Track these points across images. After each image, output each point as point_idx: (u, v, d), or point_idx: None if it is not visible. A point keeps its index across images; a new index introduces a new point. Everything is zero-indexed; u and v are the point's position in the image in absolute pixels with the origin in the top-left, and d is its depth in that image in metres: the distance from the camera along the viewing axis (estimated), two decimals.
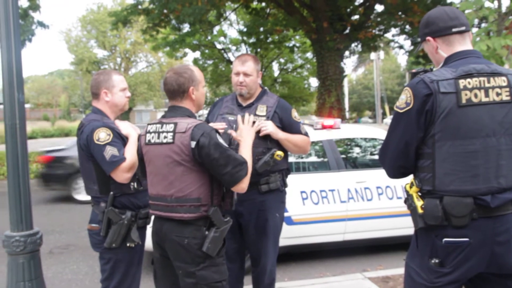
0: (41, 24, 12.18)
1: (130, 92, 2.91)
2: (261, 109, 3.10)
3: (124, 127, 2.71)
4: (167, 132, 2.31)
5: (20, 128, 2.93)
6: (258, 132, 2.99)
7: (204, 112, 16.81)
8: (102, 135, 2.54)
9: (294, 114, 3.17)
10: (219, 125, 2.97)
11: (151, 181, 2.44)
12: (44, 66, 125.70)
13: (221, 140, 2.28)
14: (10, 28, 2.87)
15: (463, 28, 1.96)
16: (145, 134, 2.43)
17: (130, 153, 2.58)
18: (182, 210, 2.29)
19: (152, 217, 2.79)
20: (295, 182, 4.23)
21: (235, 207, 2.54)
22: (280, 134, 3.04)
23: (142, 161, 2.49)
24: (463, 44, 1.98)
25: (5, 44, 2.87)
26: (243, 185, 2.32)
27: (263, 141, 3.02)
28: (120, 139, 2.62)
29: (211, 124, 2.90)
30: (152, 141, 2.36)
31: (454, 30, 1.96)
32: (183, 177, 2.30)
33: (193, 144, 2.24)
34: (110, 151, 2.51)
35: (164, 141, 2.31)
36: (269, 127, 3.00)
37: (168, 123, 2.34)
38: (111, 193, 2.60)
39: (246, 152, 2.45)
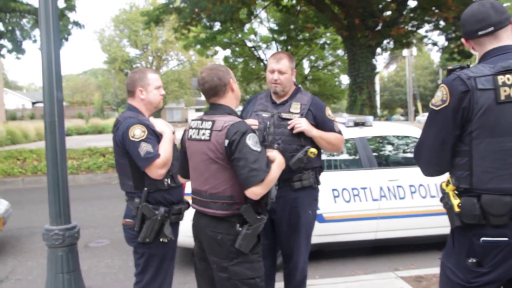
0: (76, 24, 12.50)
1: (164, 90, 2.95)
2: (295, 107, 3.10)
3: (159, 124, 2.76)
4: (205, 129, 2.35)
5: (59, 125, 3.03)
6: (292, 129, 3.01)
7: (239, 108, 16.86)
8: (137, 132, 2.59)
9: (328, 112, 3.17)
10: (253, 122, 3.00)
11: (192, 176, 2.51)
12: (78, 65, 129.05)
13: (250, 141, 2.25)
14: (50, 29, 2.97)
15: (490, 29, 1.92)
16: (188, 129, 2.49)
17: (164, 149, 2.63)
18: (215, 207, 2.33)
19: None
20: (326, 180, 4.21)
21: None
22: (314, 132, 3.04)
23: (185, 154, 2.54)
24: (496, 43, 1.93)
25: (45, 44, 2.97)
26: (256, 191, 2.23)
27: (297, 138, 3.03)
28: (155, 136, 2.66)
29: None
30: (193, 137, 2.43)
31: (480, 33, 1.94)
32: (217, 174, 2.33)
33: (226, 142, 2.26)
34: (144, 148, 2.55)
35: (202, 138, 2.35)
36: (303, 125, 3.00)
37: (207, 120, 2.38)
38: (145, 189, 2.65)
39: (275, 167, 2.35)
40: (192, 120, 2.52)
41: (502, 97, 1.80)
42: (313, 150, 3.02)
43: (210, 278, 2.49)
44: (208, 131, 2.33)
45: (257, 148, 2.26)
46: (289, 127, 3.03)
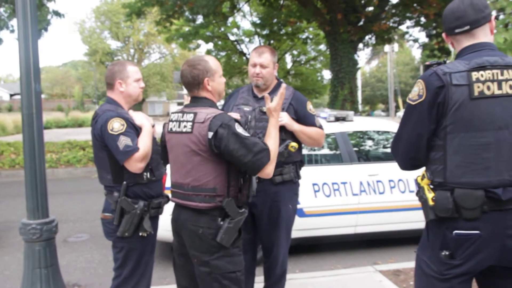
0: (56, 13, 12.25)
1: (143, 83, 2.93)
2: None
3: (138, 117, 2.74)
4: (187, 121, 2.35)
5: (37, 117, 2.98)
6: None
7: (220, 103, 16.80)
8: (116, 125, 2.57)
9: (309, 106, 3.18)
10: (234, 115, 3.00)
11: (171, 169, 2.49)
12: (58, 57, 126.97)
13: (239, 130, 2.28)
14: (27, 19, 2.91)
15: (466, 28, 1.96)
16: (169, 122, 2.48)
17: (144, 143, 2.61)
18: (198, 199, 2.33)
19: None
20: (307, 175, 4.24)
21: None
22: (295, 126, 3.06)
23: (165, 148, 2.54)
24: (472, 40, 1.97)
25: (22, 35, 2.91)
26: (267, 171, 2.30)
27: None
28: (134, 129, 2.64)
29: None
30: (174, 129, 2.42)
31: (456, 31, 1.99)
32: (199, 166, 2.32)
33: (210, 135, 2.25)
34: (123, 141, 2.53)
35: (184, 130, 2.35)
36: (284, 119, 3.01)
37: (188, 112, 2.38)
38: (124, 182, 2.63)
39: (271, 139, 2.40)
40: (172, 113, 2.51)
41: (476, 93, 1.84)
42: (294, 144, 3.03)
43: (189, 273, 2.49)
44: (190, 123, 2.32)
45: (247, 133, 2.30)
46: None
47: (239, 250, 2.42)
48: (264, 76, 3.11)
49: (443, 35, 2.09)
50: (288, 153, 3.03)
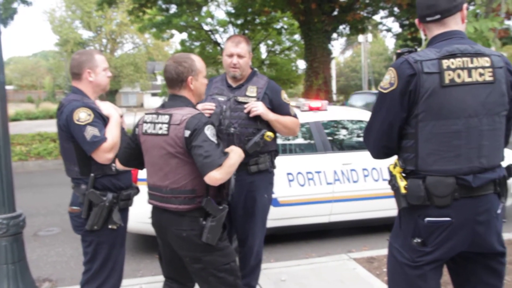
0: (23, 1, 11.89)
1: (115, 74, 2.86)
2: (251, 90, 3.08)
3: (105, 107, 2.66)
4: (162, 123, 2.29)
5: (1, 108, 2.89)
6: (248, 113, 2.99)
7: None
8: (82, 115, 2.49)
9: (284, 95, 3.17)
10: (209, 105, 2.96)
11: (148, 171, 2.44)
12: (27, 47, 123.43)
13: (209, 132, 2.23)
14: None
15: (437, 17, 1.96)
16: (142, 123, 2.41)
17: (112, 133, 2.54)
18: (177, 202, 2.30)
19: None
20: (281, 164, 4.23)
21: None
22: (270, 115, 3.04)
23: (139, 149, 2.46)
24: (443, 28, 1.98)
25: None
26: (215, 176, 2.17)
27: (253, 122, 3.02)
28: (101, 120, 2.57)
29: (201, 105, 2.89)
30: (149, 131, 2.35)
31: (428, 19, 1.99)
32: (177, 169, 2.29)
33: (187, 133, 2.21)
34: (91, 132, 2.46)
35: (160, 132, 2.29)
36: (260, 108, 2.99)
37: (163, 114, 2.31)
38: (92, 174, 2.57)
39: (231, 159, 2.28)
40: (146, 114, 2.44)
41: (447, 81, 1.84)
42: (270, 133, 3.02)
43: (176, 265, 2.50)
44: (166, 125, 2.27)
45: (214, 139, 2.24)
46: (245, 111, 3.01)
47: (227, 242, 2.43)
48: (241, 66, 3.07)
49: (416, 21, 2.09)
50: (263, 143, 3.02)
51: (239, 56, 3.05)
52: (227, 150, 2.35)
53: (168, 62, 2.39)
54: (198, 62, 2.41)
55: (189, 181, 2.28)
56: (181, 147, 2.24)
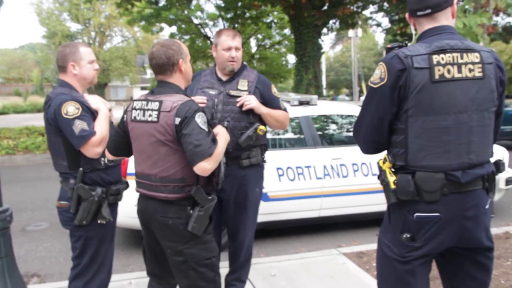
0: None
1: (104, 67, 2.82)
2: (243, 84, 3.07)
3: (94, 101, 2.62)
4: (152, 110, 2.24)
5: None
6: (241, 106, 2.98)
7: None
8: (70, 109, 2.45)
9: (274, 89, 3.18)
10: (200, 99, 2.93)
11: (136, 159, 2.39)
12: (14, 39, 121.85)
13: (200, 120, 2.19)
14: None
15: (428, 11, 1.95)
16: (131, 110, 2.35)
17: (100, 127, 2.51)
18: (166, 190, 2.26)
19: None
20: (271, 159, 4.22)
21: None
22: (263, 109, 3.04)
23: (128, 137, 2.41)
24: (433, 23, 1.97)
25: None
26: (204, 166, 2.14)
27: (246, 116, 3.01)
28: (90, 113, 2.53)
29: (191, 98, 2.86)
30: (138, 118, 2.30)
31: (418, 13, 1.98)
32: (167, 157, 2.25)
33: (177, 120, 2.16)
34: (79, 125, 2.43)
35: (149, 119, 2.24)
36: (253, 102, 2.98)
37: (153, 100, 2.26)
38: (81, 169, 2.54)
39: (219, 147, 2.24)
40: (135, 100, 2.38)
41: (436, 76, 1.84)
42: (262, 127, 3.02)
43: (160, 261, 2.46)
44: (156, 112, 2.22)
45: (205, 127, 2.20)
46: (238, 105, 2.99)
47: (212, 236, 2.40)
48: (238, 60, 3.07)
49: (407, 15, 2.08)
50: (256, 137, 3.01)
51: (237, 49, 3.05)
52: (214, 131, 2.32)
53: (155, 48, 2.31)
54: (184, 45, 2.39)
55: (178, 170, 2.24)
56: (171, 135, 2.20)
